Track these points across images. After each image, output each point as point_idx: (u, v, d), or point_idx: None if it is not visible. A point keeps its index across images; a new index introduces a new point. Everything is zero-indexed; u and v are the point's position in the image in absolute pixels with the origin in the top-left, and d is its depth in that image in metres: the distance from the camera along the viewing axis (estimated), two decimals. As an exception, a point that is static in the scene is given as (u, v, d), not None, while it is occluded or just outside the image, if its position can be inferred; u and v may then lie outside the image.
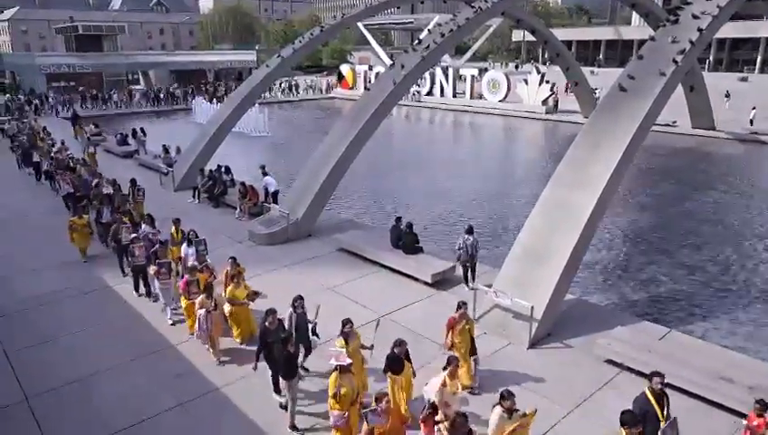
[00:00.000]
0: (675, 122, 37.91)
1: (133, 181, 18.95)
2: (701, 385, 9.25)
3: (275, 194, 19.95)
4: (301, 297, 9.94)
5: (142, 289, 13.56)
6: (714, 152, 34.79)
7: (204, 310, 10.56)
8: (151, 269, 12.64)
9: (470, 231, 13.86)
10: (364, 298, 13.22)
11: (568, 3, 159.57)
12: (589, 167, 12.77)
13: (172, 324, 12.18)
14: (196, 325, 10.77)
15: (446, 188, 25.96)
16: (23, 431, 8.95)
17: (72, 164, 23.06)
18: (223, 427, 8.98)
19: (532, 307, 10.87)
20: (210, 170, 22.14)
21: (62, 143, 27.75)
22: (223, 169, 22.20)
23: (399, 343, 8.57)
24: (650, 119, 13.46)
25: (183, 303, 11.63)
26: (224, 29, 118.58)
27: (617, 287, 15.74)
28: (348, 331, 8.88)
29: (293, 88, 67.13)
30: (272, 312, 9.41)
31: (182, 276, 13.32)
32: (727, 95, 47.28)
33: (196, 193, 21.75)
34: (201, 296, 10.75)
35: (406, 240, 15.01)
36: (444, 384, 7.82)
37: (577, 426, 8.83)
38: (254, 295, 11.29)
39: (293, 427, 8.79)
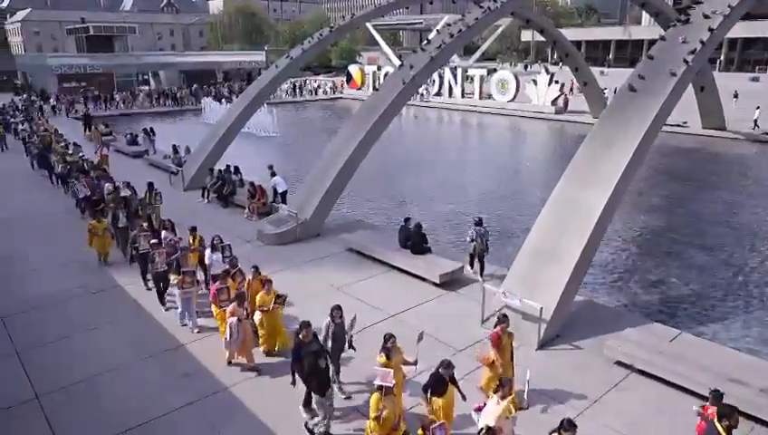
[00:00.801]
0: (685, 123, 37.67)
1: (150, 185, 18.50)
2: (711, 387, 9.16)
3: (284, 194, 20.02)
4: (339, 307, 9.50)
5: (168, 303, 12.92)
6: (724, 153, 34.54)
7: (236, 318, 10.17)
8: (173, 278, 12.05)
9: (480, 223, 14.25)
10: (372, 298, 13.22)
11: (577, 3, 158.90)
12: (599, 167, 12.71)
13: (194, 331, 11.87)
14: (227, 334, 10.31)
15: (454, 188, 25.92)
16: (33, 429, 9.01)
17: (86, 166, 22.68)
18: (231, 426, 8.98)
19: (542, 308, 10.82)
20: (219, 170, 22.23)
21: (75, 145, 27.35)
22: (232, 169, 22.28)
23: (447, 365, 8.03)
24: (661, 119, 13.38)
25: (214, 311, 11.28)
26: (233, 30, 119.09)
27: (626, 288, 15.65)
28: (390, 346, 8.47)
29: (298, 89, 67.18)
30: (306, 325, 8.90)
31: (206, 283, 12.96)
32: (735, 95, 46.92)
33: (206, 193, 21.84)
34: (233, 304, 10.37)
35: (414, 240, 15.00)
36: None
37: (587, 428, 8.77)
38: (279, 300, 10.80)
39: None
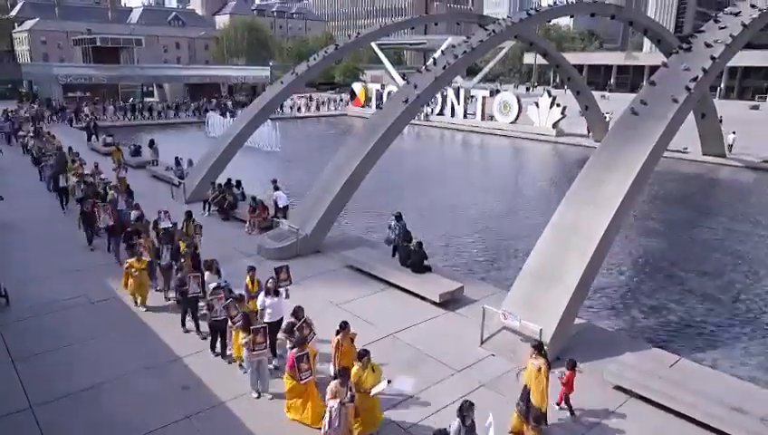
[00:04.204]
0: (686, 149, 37.91)
1: (189, 214, 16.65)
2: (711, 414, 9.12)
3: (285, 209, 20.05)
4: (471, 405, 7.67)
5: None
6: (724, 179, 34.72)
7: (338, 401, 8.21)
8: (242, 337, 10.04)
9: (400, 217, 16.18)
10: (371, 316, 13.18)
11: (580, 27, 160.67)
12: (601, 190, 12.77)
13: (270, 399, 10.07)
14: (325, 422, 8.33)
15: (455, 207, 25.97)
16: (26, 440, 8.92)
17: (107, 190, 19.96)
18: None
19: (541, 330, 10.79)
20: (220, 184, 22.29)
21: (96, 167, 24.23)
22: (233, 183, 22.34)
23: None
24: (662, 144, 13.47)
25: (286, 384, 9.32)
26: (239, 45, 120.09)
27: (626, 313, 15.61)
28: None
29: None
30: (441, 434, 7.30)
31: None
32: (720, 121, 47.04)
33: (207, 206, 21.87)
34: (335, 383, 8.33)
35: (414, 259, 15.00)
36: None
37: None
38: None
39: None
